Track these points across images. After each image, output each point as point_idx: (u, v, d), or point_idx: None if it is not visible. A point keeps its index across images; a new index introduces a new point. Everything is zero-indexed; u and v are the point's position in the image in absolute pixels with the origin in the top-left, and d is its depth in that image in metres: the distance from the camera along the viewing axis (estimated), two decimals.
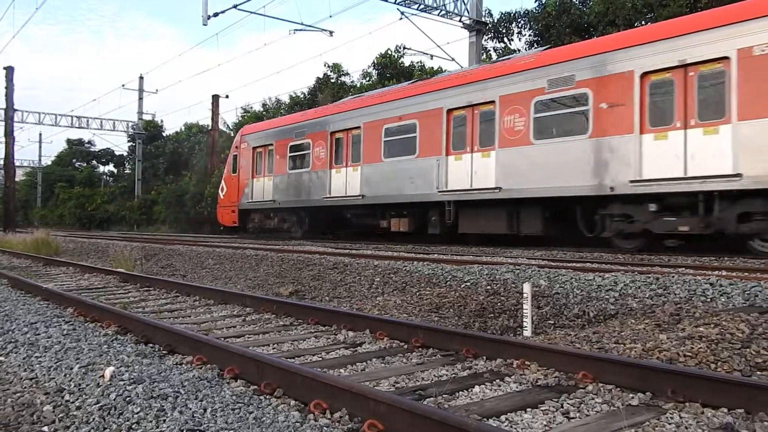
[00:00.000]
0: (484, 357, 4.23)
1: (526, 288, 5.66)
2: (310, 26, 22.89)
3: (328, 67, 35.90)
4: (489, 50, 26.23)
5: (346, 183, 17.67)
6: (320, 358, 4.47)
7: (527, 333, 5.44)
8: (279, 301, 6.92)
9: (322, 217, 19.67)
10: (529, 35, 25.08)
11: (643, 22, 20.24)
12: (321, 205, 18.52)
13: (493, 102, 13.86)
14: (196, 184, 37.00)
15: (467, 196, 14.30)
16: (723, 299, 5.81)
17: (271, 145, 21.04)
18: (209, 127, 39.91)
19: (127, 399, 3.10)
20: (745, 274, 7.07)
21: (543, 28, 23.05)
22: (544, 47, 16.22)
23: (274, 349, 4.85)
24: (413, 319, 6.07)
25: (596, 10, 21.10)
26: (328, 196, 18.14)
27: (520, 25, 25.38)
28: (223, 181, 24.12)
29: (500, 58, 17.02)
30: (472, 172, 14.22)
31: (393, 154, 16.17)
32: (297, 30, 22.86)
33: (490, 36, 25.96)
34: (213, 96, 37.91)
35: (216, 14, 21.36)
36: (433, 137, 15.06)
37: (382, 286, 8.53)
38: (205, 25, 21.28)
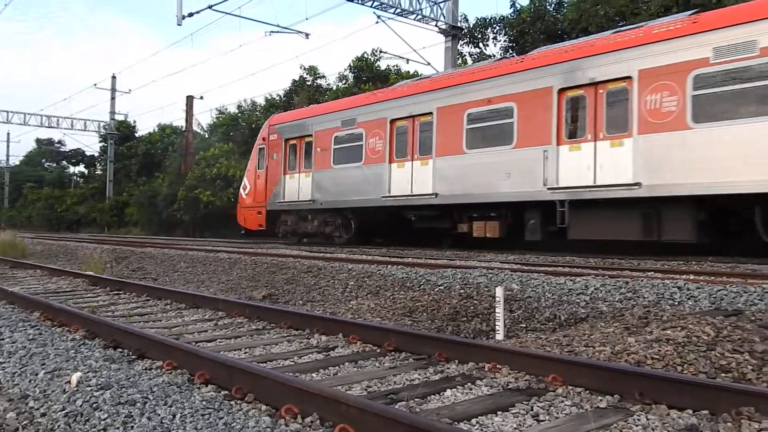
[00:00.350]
0: (457, 360, 4.25)
1: (499, 292, 5.70)
2: (286, 28, 22.84)
3: (305, 69, 35.82)
4: (465, 55, 26.42)
5: (411, 179, 15.15)
6: (293, 363, 4.45)
7: (499, 336, 5.48)
8: (252, 305, 6.88)
9: (375, 219, 17.25)
10: (504, 41, 25.32)
11: (615, 30, 20.53)
12: (377, 206, 16.03)
13: (627, 78, 11.28)
14: (170, 185, 36.59)
15: (589, 194, 11.72)
16: (690, 303, 5.92)
17: (309, 136, 18.31)
18: (183, 128, 39.54)
19: (94, 405, 3.05)
20: (712, 277, 7.22)
21: (518, 34, 23.29)
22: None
23: (246, 353, 4.81)
24: (386, 323, 6.08)
25: (569, 17, 21.41)
26: (388, 195, 15.63)
27: (495, 31, 25.61)
28: (245, 179, 21.24)
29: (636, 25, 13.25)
30: (596, 165, 11.68)
31: (479, 144, 13.65)
32: (273, 32, 22.79)
33: (466, 41, 26.15)
34: (187, 97, 37.58)
35: (191, 14, 21.22)
36: (536, 123, 12.54)
37: (356, 289, 8.52)
38: (179, 25, 21.12)
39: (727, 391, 3.10)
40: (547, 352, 4.21)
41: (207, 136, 44.32)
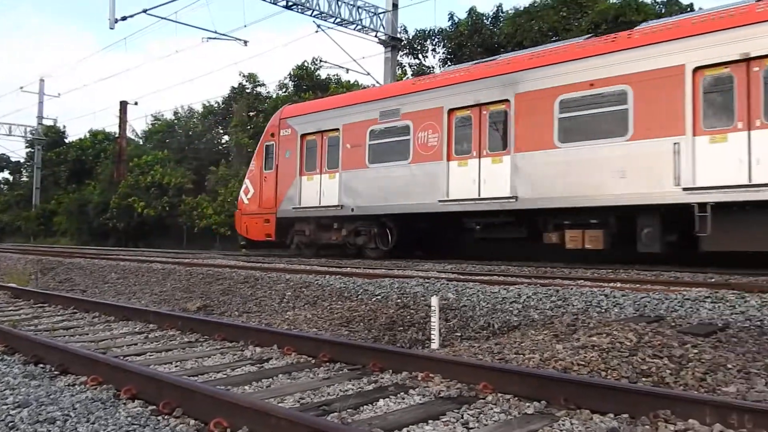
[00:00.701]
0: (391, 370, 4.27)
1: (434, 301, 5.78)
2: (224, 35, 22.52)
3: (244, 76, 35.42)
4: (404, 66, 26.75)
5: (479, 180, 12.83)
6: (225, 375, 4.37)
7: (434, 345, 5.55)
8: (185, 316, 6.72)
9: (422, 228, 15.08)
10: (443, 53, 25.77)
11: (549, 45, 21.24)
12: (430, 212, 13.67)
13: None
14: (101, 193, 35.37)
15: (746, 194, 9.67)
16: (616, 310, 6.15)
17: (335, 130, 15.71)
18: (116, 135, 38.33)
19: (10, 424, 2.91)
20: (637, 285, 7.53)
21: (456, 46, 23.75)
22: None
23: (176, 366, 4.69)
24: (323, 334, 6.06)
25: (506, 31, 21.99)
26: (446, 198, 13.26)
27: (434, 43, 26.03)
28: (247, 182, 18.26)
29: None
30: (750, 161, 9.66)
31: (577, 136, 11.45)
32: (210, 38, 22.43)
33: (405, 52, 26.48)
34: (121, 102, 36.53)
35: (124, 18, 20.61)
36: (660, 110, 10.51)
37: (293, 300, 8.46)
38: (112, 28, 20.50)
39: (646, 395, 3.23)
40: (479, 360, 4.29)
41: (141, 142, 43.12)
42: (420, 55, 26.59)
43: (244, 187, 18.42)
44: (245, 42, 22.73)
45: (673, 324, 5.37)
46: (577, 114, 11.55)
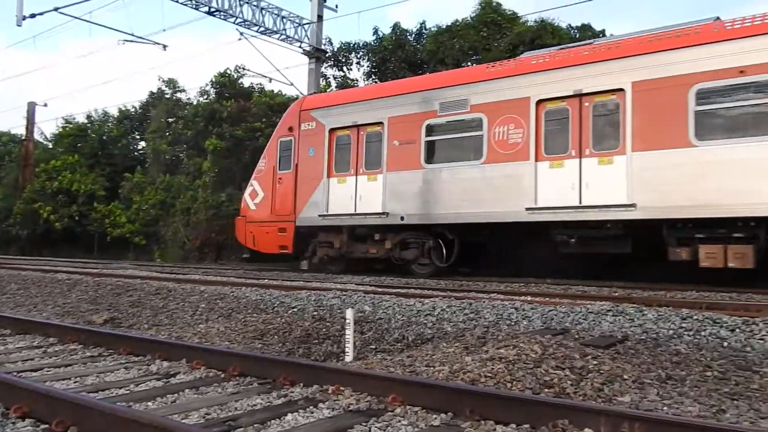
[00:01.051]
0: (302, 384, 4.23)
1: (349, 314, 5.78)
2: (141, 38, 21.84)
3: (163, 81, 34.42)
4: (329, 78, 26.79)
5: (579, 184, 11.00)
6: (128, 391, 4.19)
7: (348, 358, 5.55)
8: (88, 329, 6.40)
9: (491, 238, 12.94)
10: (367, 66, 26.00)
11: (469, 63, 21.92)
12: (511, 222, 11.70)
13: None
14: (4, 198, 33.32)
15: None
16: (525, 322, 6.36)
17: (377, 124, 13.67)
18: (23, 137, 36.26)
19: None
20: (546, 299, 7.82)
21: (380, 60, 24.02)
22: None
23: (75, 382, 4.46)
24: (235, 347, 5.93)
25: (428, 48, 22.46)
26: (534, 206, 11.36)
27: (358, 56, 26.23)
28: (254, 183, 15.76)
29: None
30: None
31: (723, 133, 9.87)
32: (127, 41, 21.68)
33: (330, 64, 26.53)
34: (29, 103, 34.66)
35: (33, 15, 19.61)
36: None
37: (207, 312, 8.25)
38: (19, 25, 19.44)
39: (546, 406, 3.35)
40: (390, 373, 4.32)
41: (50, 146, 40.97)
42: (345, 68, 26.73)
43: (249, 189, 15.80)
44: (164, 46, 22.13)
45: (576, 336, 5.60)
46: (720, 106, 9.92)
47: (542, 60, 11.87)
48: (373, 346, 6.33)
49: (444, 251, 12.82)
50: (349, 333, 5.69)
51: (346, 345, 5.65)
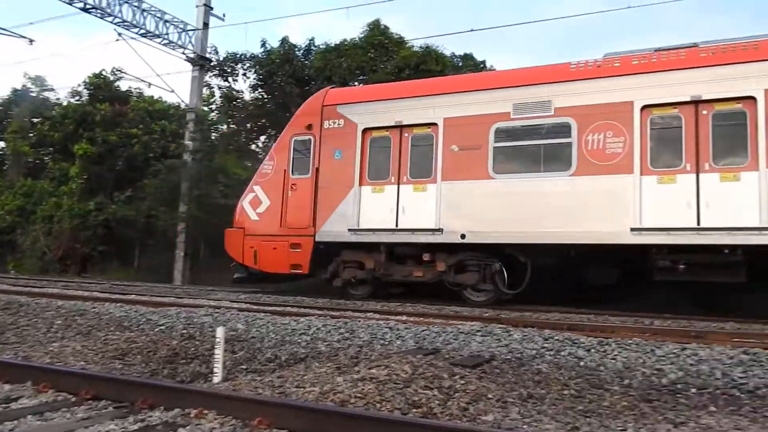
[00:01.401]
0: (162, 407, 3.98)
1: (219, 332, 5.56)
2: (4, 30, 20.14)
3: (29, 78, 31.90)
4: (213, 87, 26.03)
5: (697, 203, 9.69)
6: None
7: (217, 379, 5.32)
8: None
9: (570, 261, 11.08)
10: (254, 78, 25.54)
11: (356, 83, 22.18)
12: (609, 244, 10.14)
13: None
14: None
15: None
16: (398, 342, 6.43)
17: (429, 125, 11.86)
18: None
19: None
20: (420, 319, 7.97)
21: (266, 73, 23.69)
22: None
23: None
24: (91, 368, 5.50)
25: (316, 65, 22.48)
26: (639, 227, 9.93)
27: (245, 68, 25.72)
28: (257, 189, 13.35)
29: None
30: None
31: None
32: None
33: (215, 73, 25.80)
34: None
35: None
36: None
37: (62, 329, 7.63)
38: None
39: (413, 426, 3.36)
40: (257, 395, 4.18)
41: None
42: (230, 79, 26.09)
43: (249, 197, 13.34)
44: (31, 40, 20.56)
45: (447, 356, 5.73)
46: None
47: (649, 60, 10.45)
48: (244, 366, 6.12)
49: (505, 276, 11.17)
50: (219, 352, 5.47)
51: (215, 365, 5.43)
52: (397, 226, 11.73)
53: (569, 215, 10.27)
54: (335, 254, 12.34)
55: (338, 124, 12.61)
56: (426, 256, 11.52)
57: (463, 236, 11.02)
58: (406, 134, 12.04)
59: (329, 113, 12.72)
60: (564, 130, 10.59)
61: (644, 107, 10.08)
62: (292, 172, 12.87)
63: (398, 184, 11.92)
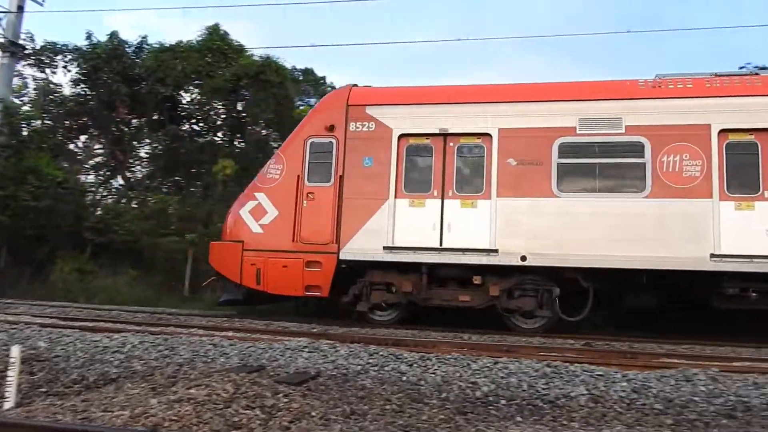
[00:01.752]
0: None
1: (15, 351, 5.00)
2: None
3: None
4: (27, 78, 23.49)
5: None
6: None
7: (8, 405, 4.76)
8: None
9: (634, 287, 10.36)
10: (77, 72, 23.48)
11: (191, 87, 21.25)
12: (685, 270, 9.69)
13: None
14: None
15: None
16: (222, 359, 6.17)
17: (481, 135, 10.70)
18: None
19: None
20: (247, 335, 7.74)
21: (91, 68, 21.90)
22: None
23: None
24: None
25: (148, 64, 21.23)
26: (718, 253, 9.56)
27: (66, 60, 23.57)
28: (261, 196, 11.37)
29: None
30: None
31: None
32: None
33: (30, 63, 23.33)
34: None
35: None
36: None
37: None
38: None
39: None
40: (55, 422, 3.77)
41: None
42: (48, 70, 23.72)
43: (250, 205, 11.35)
44: None
45: (272, 373, 5.60)
46: None
47: (730, 84, 10.26)
48: (44, 389, 5.52)
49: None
50: (13, 374, 4.90)
51: (7, 389, 4.84)
52: (441, 245, 10.56)
53: (641, 239, 9.84)
54: (359, 275, 10.95)
55: (369, 127, 11.21)
56: (477, 279, 10.53)
57: (523, 258, 10.19)
58: (452, 143, 10.93)
59: (357, 114, 11.25)
60: (637, 149, 10.16)
61: (722, 131, 9.96)
62: (308, 179, 11.25)
63: (442, 199, 10.75)
